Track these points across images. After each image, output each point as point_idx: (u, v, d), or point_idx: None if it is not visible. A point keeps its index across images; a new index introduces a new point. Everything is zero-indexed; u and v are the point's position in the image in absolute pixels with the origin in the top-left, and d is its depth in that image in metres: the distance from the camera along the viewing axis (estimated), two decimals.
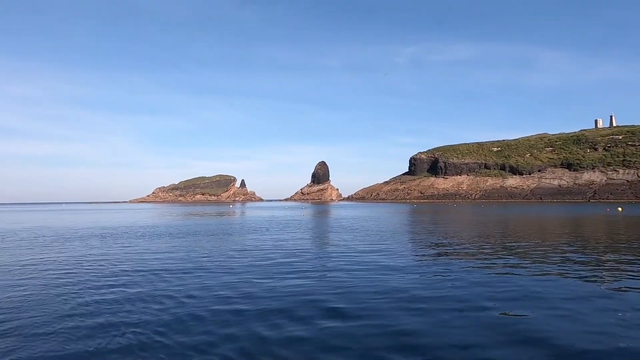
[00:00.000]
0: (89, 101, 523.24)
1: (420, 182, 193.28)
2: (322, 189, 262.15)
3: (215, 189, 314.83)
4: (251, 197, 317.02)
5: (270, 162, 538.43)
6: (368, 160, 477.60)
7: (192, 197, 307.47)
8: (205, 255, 13.90)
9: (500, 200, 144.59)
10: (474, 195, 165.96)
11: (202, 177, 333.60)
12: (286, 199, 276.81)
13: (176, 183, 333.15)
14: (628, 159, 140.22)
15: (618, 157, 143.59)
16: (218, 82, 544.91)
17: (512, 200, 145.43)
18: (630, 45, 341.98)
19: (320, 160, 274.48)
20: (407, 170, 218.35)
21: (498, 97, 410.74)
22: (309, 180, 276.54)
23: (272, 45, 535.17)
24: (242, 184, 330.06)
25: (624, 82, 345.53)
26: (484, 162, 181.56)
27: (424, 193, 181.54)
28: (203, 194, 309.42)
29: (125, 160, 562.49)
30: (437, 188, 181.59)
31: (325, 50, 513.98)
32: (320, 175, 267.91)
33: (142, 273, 10.50)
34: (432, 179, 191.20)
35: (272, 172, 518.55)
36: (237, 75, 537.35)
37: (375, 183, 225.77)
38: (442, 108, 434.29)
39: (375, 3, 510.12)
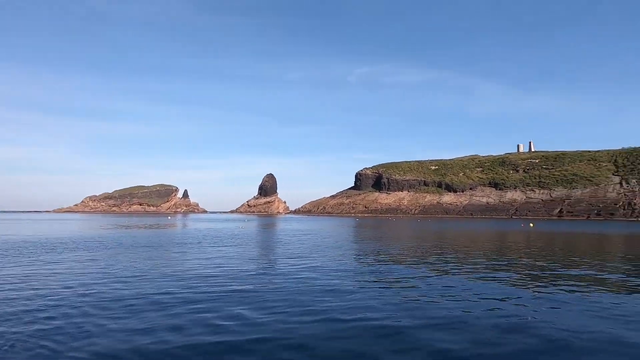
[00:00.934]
0: (15, 101, 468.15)
1: (365, 197, 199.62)
2: (269, 202, 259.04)
3: (155, 199, 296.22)
4: (194, 209, 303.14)
5: (216, 173, 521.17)
6: (316, 174, 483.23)
7: (127, 207, 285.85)
8: (103, 271, 13.10)
9: (436, 216, 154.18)
10: (413, 210, 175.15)
11: (140, 186, 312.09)
12: (232, 211, 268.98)
13: (110, 192, 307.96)
14: (543, 180, 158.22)
15: (535, 178, 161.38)
16: (169, 90, 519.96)
17: (447, 215, 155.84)
18: (549, 83, 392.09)
19: (268, 173, 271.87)
20: (353, 185, 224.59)
21: (438, 120, 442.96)
22: (256, 192, 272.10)
23: (229, 56, 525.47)
24: (185, 194, 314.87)
25: (541, 113, 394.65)
26: (423, 179, 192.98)
27: (368, 207, 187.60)
28: (140, 204, 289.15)
29: (55, 165, 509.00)
30: (380, 203, 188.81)
31: (282, 64, 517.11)
32: (268, 187, 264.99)
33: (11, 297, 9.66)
34: (376, 194, 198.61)
35: (219, 183, 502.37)
36: (190, 83, 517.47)
37: (322, 197, 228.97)
38: (388, 126, 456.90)
39: (335, 23, 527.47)
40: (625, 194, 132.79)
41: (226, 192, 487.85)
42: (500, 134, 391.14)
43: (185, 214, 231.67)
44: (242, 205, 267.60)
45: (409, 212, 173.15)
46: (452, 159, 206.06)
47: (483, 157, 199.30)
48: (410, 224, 71.43)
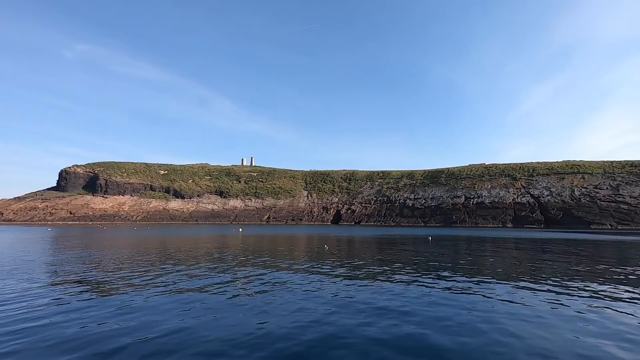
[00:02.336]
0: None
1: (71, 201, 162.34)
2: None
3: None
4: None
5: None
6: None
7: None
8: None
9: (161, 222, 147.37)
10: (136, 217, 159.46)
11: None
12: None
13: None
14: (258, 191, 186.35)
15: (252, 189, 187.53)
16: None
17: (173, 222, 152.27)
18: (262, 115, 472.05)
19: None
20: (56, 185, 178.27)
21: (171, 125, 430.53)
22: None
23: None
24: None
25: (260, 134, 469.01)
26: (150, 183, 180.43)
27: (74, 214, 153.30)
28: None
29: None
30: (93, 208, 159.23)
31: None
32: None
33: None
34: (89, 197, 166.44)
35: None
36: None
37: (2, 199, 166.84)
38: (112, 122, 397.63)
39: None
40: (309, 204, 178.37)
41: None
42: (230, 146, 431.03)
43: None
44: None
45: (130, 219, 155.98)
46: (182, 165, 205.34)
47: (212, 166, 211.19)
48: (124, 232, 64.11)
